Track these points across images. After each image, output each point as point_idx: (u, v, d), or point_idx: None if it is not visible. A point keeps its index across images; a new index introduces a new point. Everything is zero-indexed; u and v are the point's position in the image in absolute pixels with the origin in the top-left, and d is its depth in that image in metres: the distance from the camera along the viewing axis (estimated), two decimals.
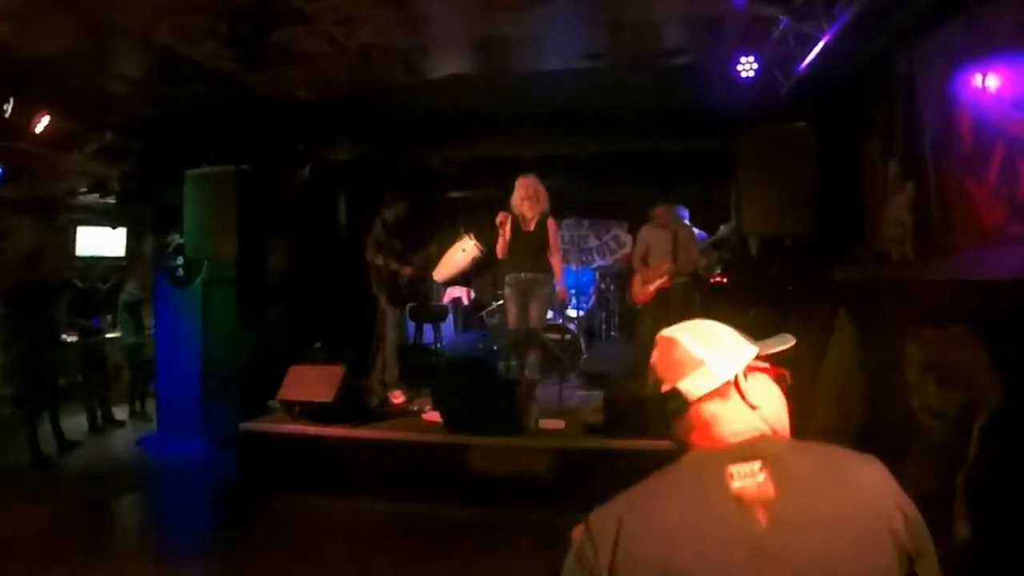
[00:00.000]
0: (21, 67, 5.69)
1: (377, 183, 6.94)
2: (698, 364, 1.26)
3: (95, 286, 8.06)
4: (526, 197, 5.88)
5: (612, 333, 9.77)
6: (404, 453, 5.33)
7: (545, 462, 5.01)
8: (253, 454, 5.64)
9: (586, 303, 9.27)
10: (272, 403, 5.94)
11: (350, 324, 7.49)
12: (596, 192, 9.60)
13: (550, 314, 6.88)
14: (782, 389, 1.32)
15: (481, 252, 6.79)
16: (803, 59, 4.98)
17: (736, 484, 1.15)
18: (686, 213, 7.79)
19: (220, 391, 6.78)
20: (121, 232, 9.66)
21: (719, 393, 1.25)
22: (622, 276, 9.24)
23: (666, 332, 1.34)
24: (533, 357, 5.97)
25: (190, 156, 7.31)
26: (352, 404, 5.62)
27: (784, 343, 1.32)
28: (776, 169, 6.03)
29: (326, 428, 5.48)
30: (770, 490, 1.14)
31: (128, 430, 7.75)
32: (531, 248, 5.88)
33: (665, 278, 6.71)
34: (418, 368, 6.99)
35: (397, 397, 6.36)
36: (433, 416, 5.64)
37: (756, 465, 1.16)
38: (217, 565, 4.36)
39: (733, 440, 1.23)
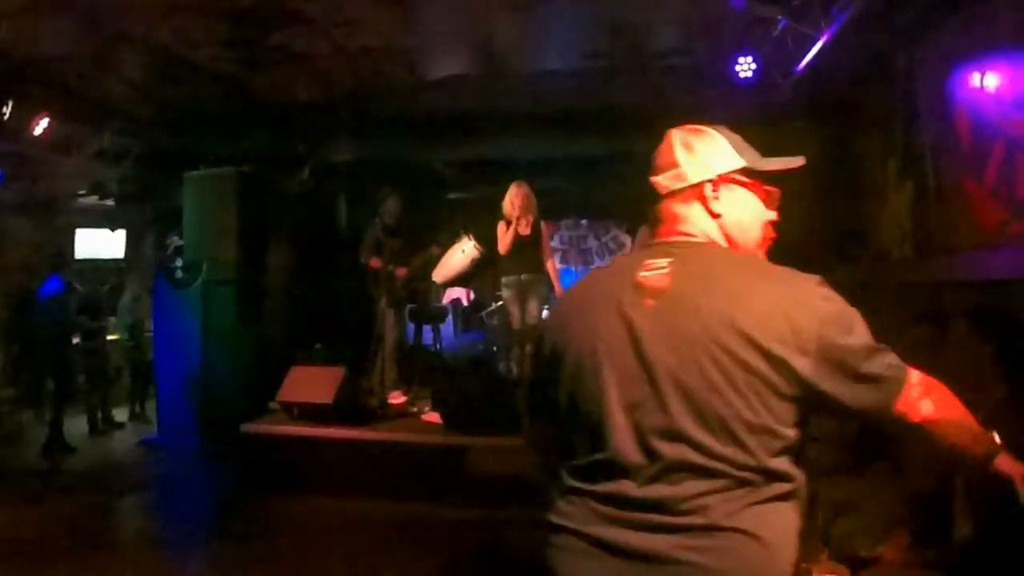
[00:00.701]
0: (20, 69, 5.69)
1: (377, 184, 6.94)
2: (673, 165, 1.39)
3: (95, 288, 8.06)
4: (521, 206, 5.91)
5: None
6: (404, 454, 5.33)
7: None
8: (253, 455, 5.64)
9: None
10: (272, 404, 5.94)
11: (350, 325, 7.49)
12: (595, 193, 9.60)
13: (547, 314, 6.88)
14: (771, 207, 1.42)
15: (480, 253, 6.78)
16: (801, 59, 4.97)
17: (642, 274, 1.30)
18: None
19: (220, 392, 6.78)
20: (120, 234, 9.65)
21: (682, 195, 1.38)
22: None
23: (674, 129, 1.44)
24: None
25: (190, 158, 7.30)
26: (352, 405, 5.62)
27: (787, 163, 1.41)
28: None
29: (326, 429, 5.48)
30: (666, 282, 1.28)
31: (128, 432, 7.75)
32: (527, 251, 5.96)
33: None
34: (417, 369, 6.99)
35: (396, 398, 6.36)
36: (433, 417, 5.64)
37: (666, 261, 1.30)
38: (217, 566, 4.36)
39: (677, 239, 1.37)
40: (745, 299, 1.23)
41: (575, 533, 1.30)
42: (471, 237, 6.92)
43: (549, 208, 6.18)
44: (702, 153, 1.38)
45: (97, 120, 7.09)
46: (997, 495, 1.33)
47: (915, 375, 1.25)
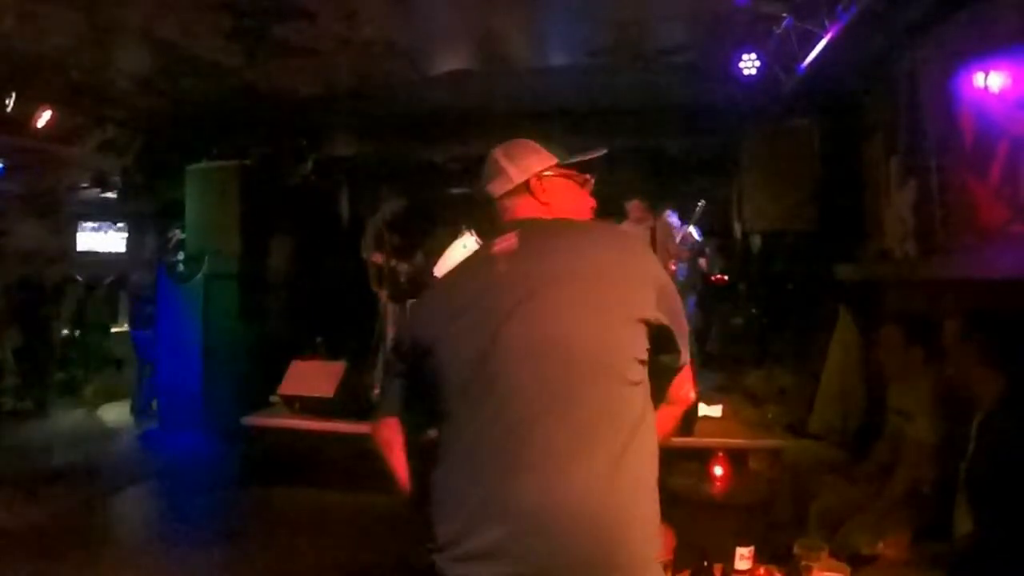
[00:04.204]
0: (23, 61, 5.68)
1: (379, 178, 6.94)
2: (501, 172, 1.67)
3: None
4: None
5: None
6: None
7: None
8: (254, 448, 5.65)
9: None
10: (273, 398, 5.94)
11: (351, 319, 7.49)
12: (596, 190, 9.58)
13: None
14: (586, 191, 1.74)
15: None
16: (805, 57, 4.97)
17: (495, 247, 1.55)
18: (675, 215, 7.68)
19: (221, 386, 6.78)
20: (122, 227, 9.66)
21: (514, 192, 1.65)
22: None
23: (494, 148, 1.71)
24: None
25: (192, 151, 7.30)
26: (353, 399, 5.63)
27: (591, 155, 1.70)
28: (778, 167, 6.03)
29: (327, 423, 5.49)
30: (514, 245, 1.52)
31: (130, 424, 7.76)
32: None
33: None
34: None
35: None
36: None
37: (514, 233, 1.55)
38: (218, 558, 4.37)
39: (521, 219, 1.63)
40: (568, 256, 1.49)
41: None
42: (472, 232, 6.91)
43: None
44: (521, 158, 1.67)
45: (99, 113, 7.09)
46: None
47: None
